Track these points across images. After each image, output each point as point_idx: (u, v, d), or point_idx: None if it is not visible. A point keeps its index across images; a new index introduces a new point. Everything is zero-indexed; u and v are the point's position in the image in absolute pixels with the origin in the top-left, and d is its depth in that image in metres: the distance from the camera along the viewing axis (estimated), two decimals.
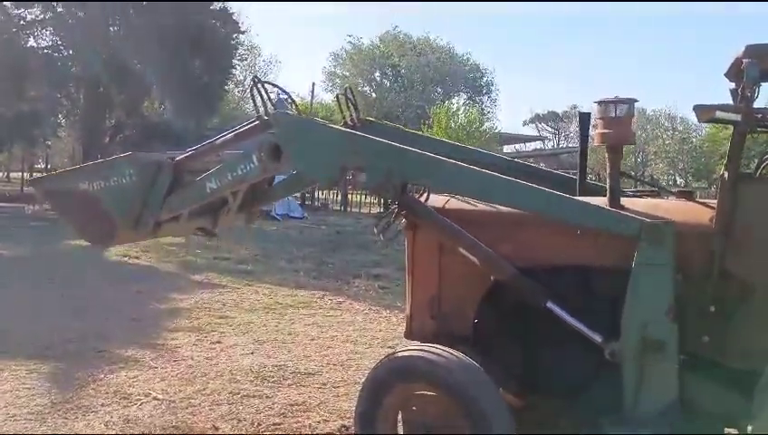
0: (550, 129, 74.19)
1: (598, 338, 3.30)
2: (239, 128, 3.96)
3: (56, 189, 4.18)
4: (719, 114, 3.23)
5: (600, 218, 3.34)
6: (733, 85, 3.59)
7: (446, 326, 3.85)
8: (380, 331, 7.73)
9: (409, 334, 4.05)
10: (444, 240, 3.75)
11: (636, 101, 3.52)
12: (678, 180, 56.17)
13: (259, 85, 3.64)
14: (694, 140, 53.48)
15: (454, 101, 43.99)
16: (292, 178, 4.21)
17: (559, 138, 71.95)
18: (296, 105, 3.59)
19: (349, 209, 28.04)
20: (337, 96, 4.50)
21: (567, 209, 3.39)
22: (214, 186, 3.75)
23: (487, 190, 3.52)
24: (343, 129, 3.96)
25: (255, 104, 3.63)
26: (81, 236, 4.14)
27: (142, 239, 4.35)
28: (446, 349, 3.47)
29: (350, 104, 4.40)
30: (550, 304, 3.40)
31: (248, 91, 3.61)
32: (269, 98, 3.69)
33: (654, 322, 3.17)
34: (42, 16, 28.34)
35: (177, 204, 3.89)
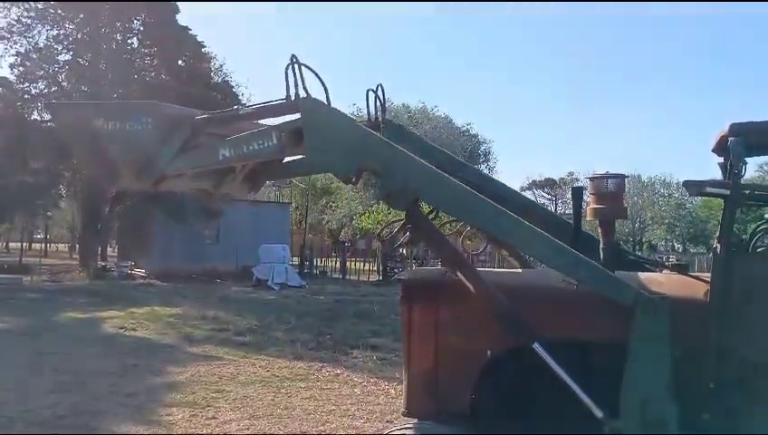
0: (546, 195, 74.89)
1: (599, 414, 3.27)
2: (266, 103, 3.86)
3: (71, 120, 4.07)
4: (709, 190, 3.32)
5: (601, 281, 3.35)
6: (720, 159, 3.68)
7: (443, 403, 3.81)
8: (379, 404, 7.59)
9: (407, 412, 3.99)
10: (444, 264, 3.69)
11: (625, 176, 3.63)
12: (676, 245, 56.30)
13: (295, 66, 3.46)
14: (688, 205, 53.96)
15: None
16: (306, 161, 4.02)
17: (556, 204, 72.52)
18: (328, 96, 3.52)
19: (348, 277, 28.00)
20: (366, 93, 4.38)
21: (574, 265, 3.38)
22: (227, 154, 3.68)
23: (503, 232, 3.54)
24: (370, 130, 3.87)
25: (288, 83, 3.50)
26: (87, 172, 4.01)
27: (143, 188, 4.19)
28: (444, 426, 3.42)
29: (378, 102, 4.34)
30: (536, 346, 3.37)
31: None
32: (303, 81, 3.50)
33: (654, 399, 3.15)
34: (46, 90, 29.05)
35: (186, 163, 3.81)
